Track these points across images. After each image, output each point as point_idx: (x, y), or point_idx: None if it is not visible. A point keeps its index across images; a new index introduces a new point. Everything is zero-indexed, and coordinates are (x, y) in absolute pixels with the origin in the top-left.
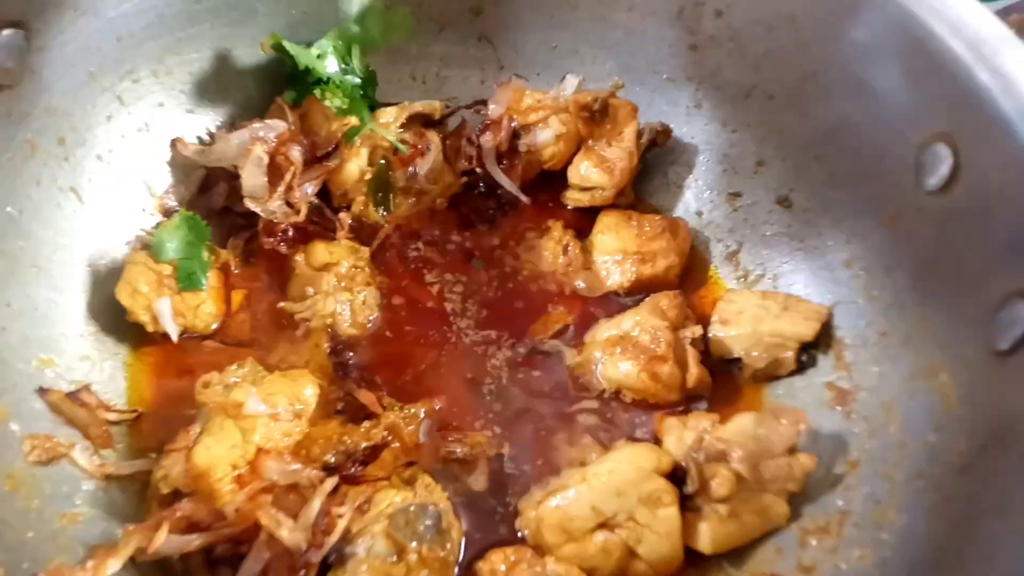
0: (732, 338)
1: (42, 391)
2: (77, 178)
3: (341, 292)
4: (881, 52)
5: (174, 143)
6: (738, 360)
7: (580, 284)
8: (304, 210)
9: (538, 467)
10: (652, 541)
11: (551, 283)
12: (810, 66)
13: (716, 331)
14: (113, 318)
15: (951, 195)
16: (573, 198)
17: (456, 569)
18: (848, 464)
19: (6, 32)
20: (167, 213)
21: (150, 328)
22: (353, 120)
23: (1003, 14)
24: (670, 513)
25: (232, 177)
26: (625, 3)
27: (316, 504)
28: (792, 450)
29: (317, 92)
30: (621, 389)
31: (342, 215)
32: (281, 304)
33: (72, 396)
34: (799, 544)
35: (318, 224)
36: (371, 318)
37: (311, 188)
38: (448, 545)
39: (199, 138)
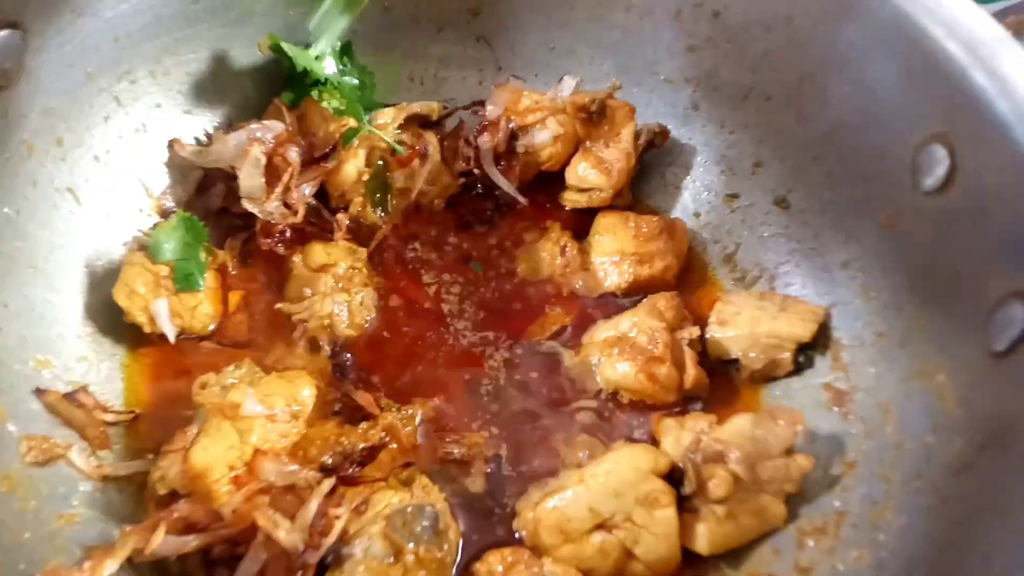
0: (729, 339)
1: (39, 392)
2: (74, 179)
3: (338, 293)
4: (878, 53)
5: (171, 144)
6: (735, 361)
7: (578, 285)
8: (302, 211)
9: (535, 468)
10: (649, 542)
11: (549, 284)
12: (807, 67)
13: (713, 332)
14: (110, 319)
15: (948, 196)
16: (571, 199)
17: (453, 570)
18: (845, 465)
19: (3, 33)
20: (164, 214)
21: (147, 329)
22: (351, 121)
23: (1000, 15)
24: (667, 514)
25: (230, 178)
26: (623, 4)
27: (313, 505)
28: (789, 451)
29: (315, 93)
30: (619, 390)
31: (340, 216)
32: (278, 305)
33: (69, 397)
34: (796, 545)
35: (316, 225)
36: (368, 319)
37: (309, 189)
38: (445, 546)
39: (196, 139)
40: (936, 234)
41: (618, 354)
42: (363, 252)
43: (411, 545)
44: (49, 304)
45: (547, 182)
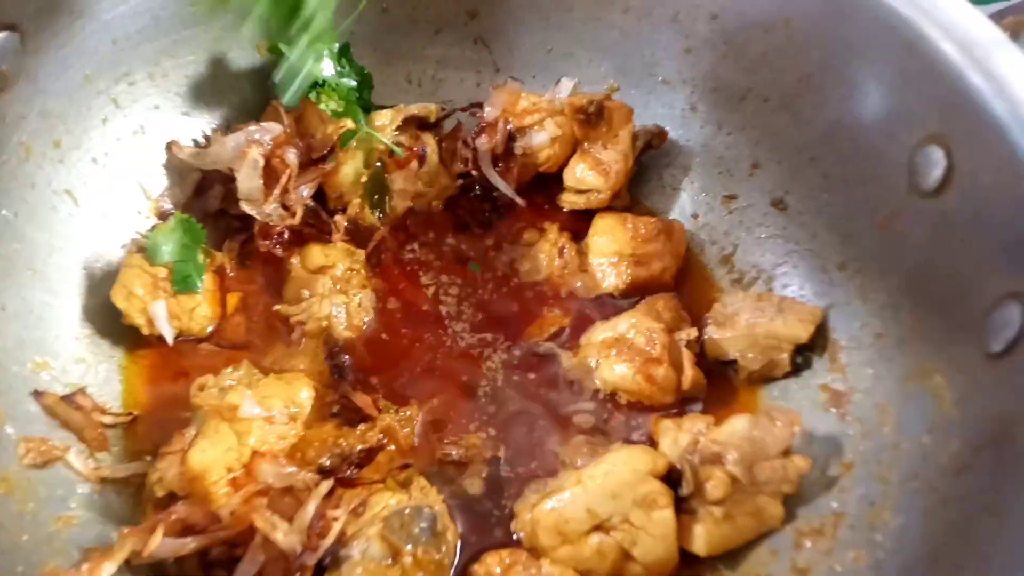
0: (727, 340)
1: (37, 394)
2: (72, 181)
3: (337, 295)
4: (874, 55)
5: (170, 146)
6: (733, 362)
7: (576, 286)
8: (300, 213)
9: (533, 469)
10: (647, 543)
11: (547, 285)
12: (805, 69)
13: (711, 333)
14: (108, 321)
15: (944, 197)
16: (569, 200)
17: (451, 572)
18: (843, 466)
19: (1, 35)
20: (163, 216)
21: (145, 331)
22: (349, 123)
23: (998, 16)
24: (665, 515)
25: (228, 180)
26: (621, 6)
27: (311, 507)
28: (787, 452)
29: (313, 95)
30: (616, 391)
31: (338, 218)
32: (277, 307)
33: (67, 399)
34: (793, 546)
35: (314, 227)
36: (366, 320)
37: (307, 191)
38: (443, 548)
39: (195, 141)
40: (933, 235)
41: (616, 355)
42: (361, 254)
43: (409, 547)
44: (47, 306)
45: (545, 183)
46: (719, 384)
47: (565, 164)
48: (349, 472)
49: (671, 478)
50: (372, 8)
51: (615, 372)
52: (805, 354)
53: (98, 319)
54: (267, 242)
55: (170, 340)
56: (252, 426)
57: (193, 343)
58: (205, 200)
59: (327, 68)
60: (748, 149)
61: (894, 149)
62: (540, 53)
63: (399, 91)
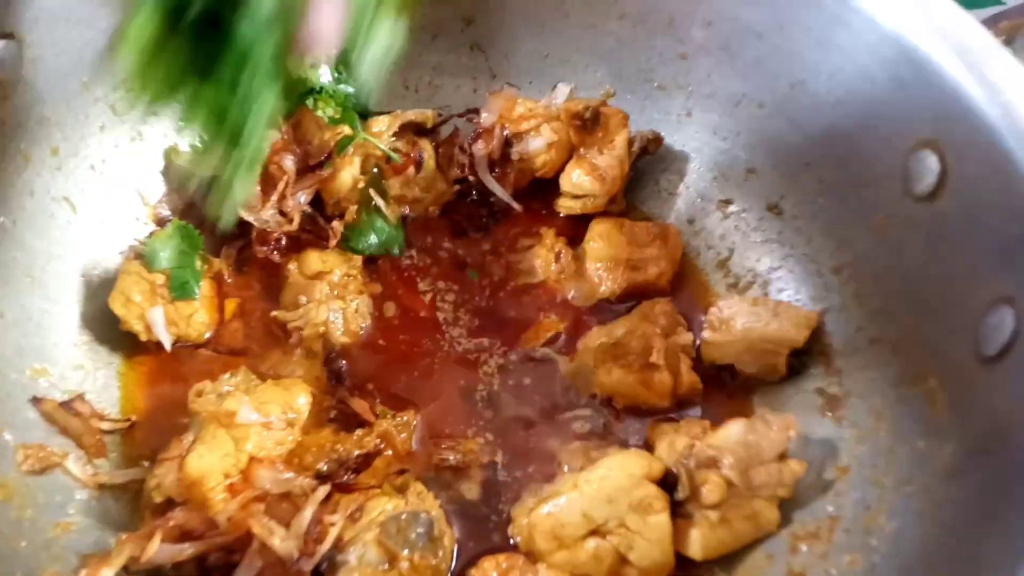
0: (723, 344)
1: (36, 401)
2: (70, 188)
3: (334, 300)
4: (868, 60)
5: (168, 152)
6: (729, 366)
7: (572, 291)
8: (297, 219)
9: (530, 474)
10: (643, 547)
11: (543, 291)
12: (799, 75)
13: (707, 338)
14: (106, 328)
15: (939, 202)
16: (565, 206)
17: None
18: (838, 470)
19: None
20: (160, 222)
21: (143, 337)
22: (346, 129)
23: (993, 20)
24: (661, 520)
25: None
26: (616, 12)
27: (308, 512)
28: (782, 456)
29: (309, 102)
30: (613, 396)
31: (335, 224)
32: (274, 313)
33: (66, 405)
34: (789, 550)
35: (311, 233)
36: (363, 326)
37: (304, 197)
38: (440, 553)
39: (193, 147)
40: (927, 240)
41: (612, 360)
42: (358, 259)
43: (406, 552)
44: (46, 313)
45: (542, 189)
46: (715, 388)
47: (561, 169)
48: (346, 477)
49: (667, 482)
50: None
51: (611, 377)
52: (801, 358)
53: (96, 326)
54: (265, 248)
55: (168, 346)
56: (250, 432)
57: (191, 349)
58: (203, 207)
59: (324, 75)
60: (743, 154)
61: (888, 154)
62: (536, 59)
63: (396, 97)
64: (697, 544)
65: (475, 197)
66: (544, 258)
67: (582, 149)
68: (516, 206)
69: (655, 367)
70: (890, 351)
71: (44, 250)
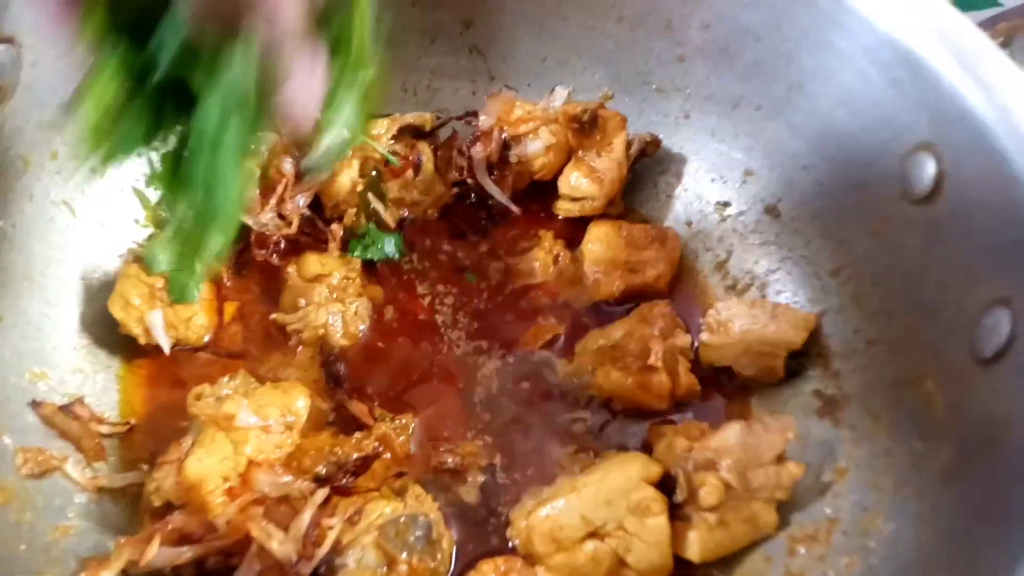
0: (721, 347)
1: (35, 404)
2: (70, 192)
3: (333, 303)
4: (865, 63)
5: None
6: (727, 369)
7: (570, 294)
8: (296, 222)
9: (529, 477)
10: (641, 550)
11: (541, 293)
12: (796, 77)
13: (705, 340)
14: (106, 331)
15: (936, 204)
16: (563, 208)
17: None
18: (836, 472)
19: None
20: (160, 225)
21: (142, 340)
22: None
23: (991, 22)
24: (659, 522)
25: None
26: (614, 15)
27: (307, 516)
28: (780, 458)
29: None
30: (611, 398)
31: (334, 227)
32: (273, 316)
33: (65, 409)
34: (787, 552)
35: (310, 236)
36: (362, 329)
37: (303, 200)
38: (439, 555)
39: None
40: (924, 242)
41: (611, 363)
42: (357, 262)
43: (404, 555)
44: (45, 317)
45: (540, 191)
46: (713, 391)
47: (560, 172)
48: (345, 480)
49: (665, 485)
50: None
51: (610, 379)
52: (799, 360)
53: (95, 329)
54: (263, 251)
55: (167, 349)
56: (248, 435)
57: (190, 352)
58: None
59: None
60: (741, 156)
61: (885, 156)
62: (534, 62)
63: (395, 100)
64: (695, 546)
65: (473, 200)
66: (542, 260)
67: (580, 152)
68: (514, 208)
69: (653, 369)
70: (888, 353)
71: (43, 254)
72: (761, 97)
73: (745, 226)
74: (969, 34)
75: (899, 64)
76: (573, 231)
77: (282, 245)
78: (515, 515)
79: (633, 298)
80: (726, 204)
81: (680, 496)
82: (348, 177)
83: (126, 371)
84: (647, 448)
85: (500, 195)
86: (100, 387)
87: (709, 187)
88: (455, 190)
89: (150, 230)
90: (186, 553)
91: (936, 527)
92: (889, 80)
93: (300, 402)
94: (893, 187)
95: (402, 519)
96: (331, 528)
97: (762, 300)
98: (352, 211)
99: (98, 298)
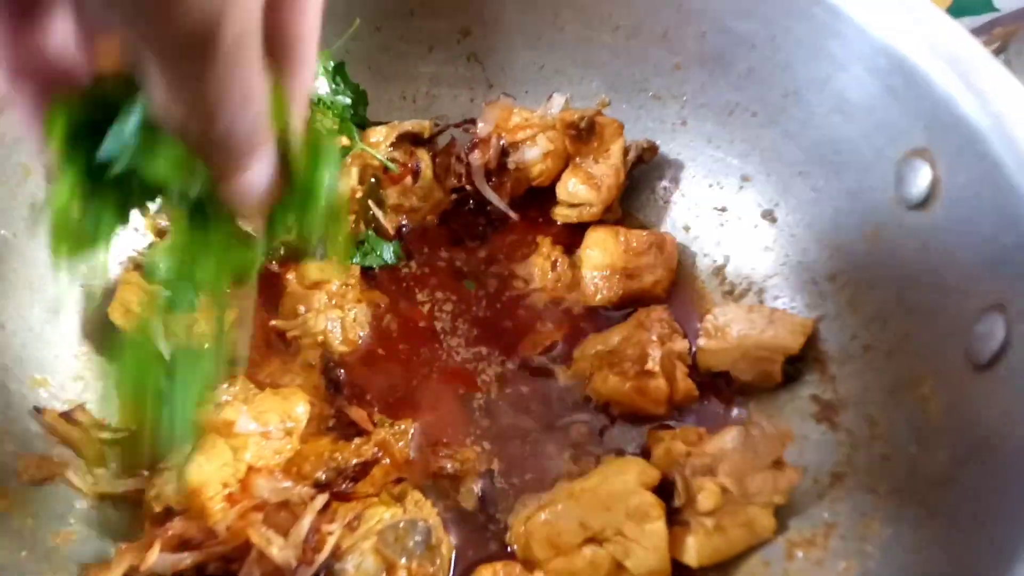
0: (719, 352)
1: (36, 411)
2: None
3: (332, 310)
4: (860, 70)
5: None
6: (725, 374)
7: (568, 300)
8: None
9: (528, 482)
10: (639, 555)
11: (540, 299)
12: (791, 85)
13: (703, 345)
14: (106, 338)
15: (930, 210)
16: (561, 214)
17: None
18: (833, 476)
19: None
20: (160, 233)
21: None
22: (343, 140)
23: (987, 27)
24: (657, 527)
25: None
26: (610, 25)
27: (306, 521)
28: (778, 463)
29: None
30: (609, 403)
31: None
32: (273, 322)
33: (66, 416)
34: (785, 556)
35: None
36: (361, 335)
37: None
38: (438, 561)
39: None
40: (920, 247)
41: (609, 368)
42: (356, 269)
43: (403, 560)
44: (46, 324)
45: (538, 197)
46: (711, 396)
47: (557, 178)
48: (344, 486)
49: (664, 489)
50: (366, 27)
51: (608, 384)
52: (796, 365)
53: (96, 336)
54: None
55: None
56: (248, 441)
57: None
58: None
59: (322, 86)
60: (737, 162)
61: (881, 163)
62: (532, 70)
63: (393, 108)
64: (693, 551)
65: (472, 206)
66: (541, 266)
67: (578, 158)
68: (513, 215)
69: (651, 374)
70: (884, 358)
71: (44, 261)
72: (757, 104)
73: (742, 232)
74: (963, 41)
75: (893, 71)
76: (571, 237)
77: (281, 251)
78: (514, 520)
79: (631, 303)
80: (723, 209)
81: (678, 501)
82: (347, 184)
83: None
84: (645, 453)
85: (498, 201)
86: (101, 393)
87: (706, 193)
88: (454, 197)
89: (150, 238)
90: (186, 559)
91: (932, 532)
92: (884, 87)
93: (299, 408)
94: (889, 193)
95: (401, 524)
96: (331, 534)
97: (759, 305)
98: (351, 218)
99: (99, 305)
